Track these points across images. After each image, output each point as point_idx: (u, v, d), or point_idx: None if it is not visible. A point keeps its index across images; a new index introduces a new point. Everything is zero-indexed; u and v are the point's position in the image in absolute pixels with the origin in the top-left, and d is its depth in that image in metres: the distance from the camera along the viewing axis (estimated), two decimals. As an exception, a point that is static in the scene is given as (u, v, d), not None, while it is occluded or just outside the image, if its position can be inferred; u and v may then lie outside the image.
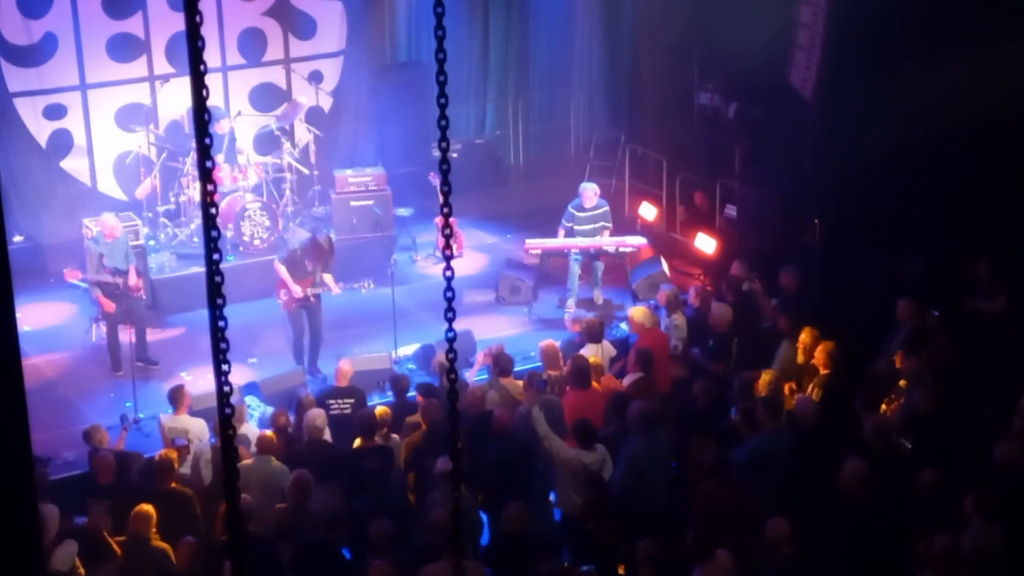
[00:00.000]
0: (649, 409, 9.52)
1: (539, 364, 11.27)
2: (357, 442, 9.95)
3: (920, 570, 7.77)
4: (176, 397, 10.48)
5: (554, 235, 14.00)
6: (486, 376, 11.24)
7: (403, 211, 15.50)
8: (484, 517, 9.55)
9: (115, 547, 8.73)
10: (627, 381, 10.84)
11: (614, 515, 8.83)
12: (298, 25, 16.06)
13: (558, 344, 11.75)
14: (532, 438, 9.70)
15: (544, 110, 18.47)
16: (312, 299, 12.39)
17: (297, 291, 12.27)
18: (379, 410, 10.23)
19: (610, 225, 13.97)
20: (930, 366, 10.26)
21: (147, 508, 8.67)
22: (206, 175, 3.13)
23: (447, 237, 4.01)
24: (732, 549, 7.92)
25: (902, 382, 10.21)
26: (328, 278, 12.44)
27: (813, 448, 9.29)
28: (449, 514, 8.11)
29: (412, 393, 10.93)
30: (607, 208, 14.01)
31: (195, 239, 14.39)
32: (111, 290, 12.42)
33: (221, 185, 14.03)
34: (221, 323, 3.18)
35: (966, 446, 9.06)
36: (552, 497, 9.93)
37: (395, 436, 10.15)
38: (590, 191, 13.92)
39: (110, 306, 12.41)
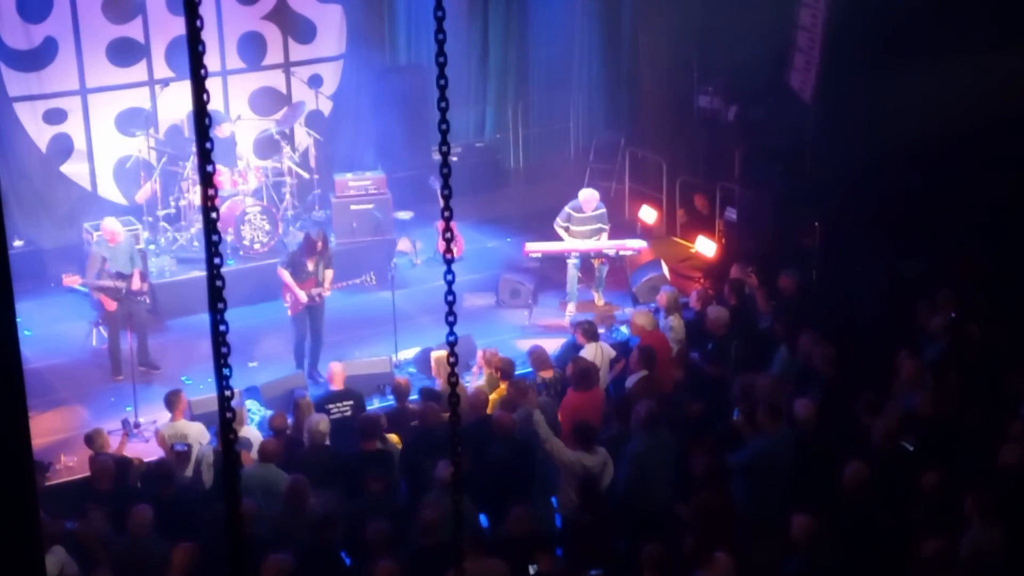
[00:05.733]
0: (655, 409, 9.51)
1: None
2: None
3: (919, 573, 7.77)
4: (172, 402, 10.47)
5: (553, 237, 14.01)
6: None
7: (403, 215, 15.50)
8: (484, 520, 9.55)
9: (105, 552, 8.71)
10: (631, 381, 10.84)
11: (610, 519, 8.83)
12: (298, 29, 16.08)
13: (557, 347, 11.79)
14: (532, 440, 9.70)
15: (544, 113, 18.46)
16: (317, 299, 12.39)
17: (302, 296, 12.27)
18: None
19: (607, 226, 13.97)
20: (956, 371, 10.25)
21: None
22: (206, 179, 3.13)
23: (448, 241, 4.01)
24: (731, 553, 7.92)
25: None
26: (328, 274, 12.42)
27: (813, 450, 9.29)
28: (441, 517, 8.18)
29: (414, 397, 10.93)
30: (604, 210, 14.02)
31: (195, 243, 14.39)
32: (113, 294, 12.43)
33: (221, 189, 14.03)
34: (222, 327, 3.18)
35: (968, 448, 9.07)
36: (554, 500, 9.92)
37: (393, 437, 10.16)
38: (591, 198, 13.90)
39: (111, 305, 12.40)
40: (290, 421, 10.37)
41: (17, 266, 5.02)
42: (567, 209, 13.91)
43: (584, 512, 9.04)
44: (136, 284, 12.49)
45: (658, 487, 9.37)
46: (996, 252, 12.42)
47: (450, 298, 3.98)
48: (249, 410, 11.26)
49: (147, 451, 10.85)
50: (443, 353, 11.01)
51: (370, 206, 14.94)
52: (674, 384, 11.32)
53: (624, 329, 12.99)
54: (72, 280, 12.61)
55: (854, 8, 12.79)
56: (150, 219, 14.64)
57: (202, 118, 3.07)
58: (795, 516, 8.04)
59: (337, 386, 11.00)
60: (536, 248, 14.08)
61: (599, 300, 14.08)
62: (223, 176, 14.28)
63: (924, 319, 11.07)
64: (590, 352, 11.25)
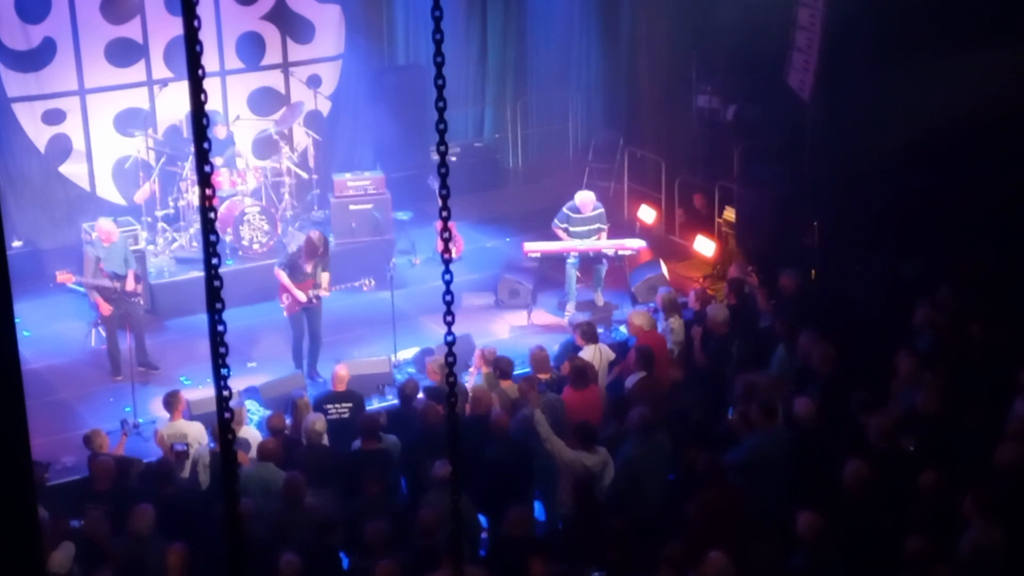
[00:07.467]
0: (649, 414, 9.50)
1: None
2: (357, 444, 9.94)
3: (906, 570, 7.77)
4: (171, 402, 10.48)
5: (552, 237, 14.00)
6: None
7: (402, 215, 15.49)
8: (483, 521, 9.55)
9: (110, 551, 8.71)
10: (630, 382, 10.83)
11: (603, 519, 8.82)
12: (296, 29, 16.07)
13: (556, 347, 11.77)
14: (531, 441, 9.69)
15: (542, 113, 18.45)
16: (314, 300, 12.37)
17: (301, 296, 12.25)
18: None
19: (605, 226, 13.97)
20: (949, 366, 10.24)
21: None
22: (205, 179, 3.13)
23: (446, 241, 4.01)
24: (729, 552, 7.91)
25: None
26: (325, 277, 12.40)
27: (810, 449, 9.29)
28: (441, 517, 8.18)
29: (420, 396, 10.91)
30: (602, 210, 14.01)
31: (194, 243, 14.39)
32: (108, 294, 12.42)
33: (220, 189, 14.03)
34: (220, 327, 3.18)
35: (968, 447, 9.06)
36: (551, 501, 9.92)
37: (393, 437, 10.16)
38: (588, 200, 13.89)
39: (107, 309, 12.40)
40: (288, 421, 10.37)
41: (16, 266, 5.03)
42: (565, 210, 13.89)
43: (578, 512, 9.03)
44: (130, 285, 12.47)
45: (650, 491, 9.35)
46: (996, 252, 12.41)
47: (448, 298, 3.98)
48: (248, 410, 11.26)
49: (146, 451, 10.84)
50: (438, 359, 10.99)
51: (369, 206, 14.94)
52: (673, 384, 11.32)
53: (623, 329, 12.99)
54: (65, 277, 12.53)
55: (852, 7, 12.78)
56: (149, 219, 14.63)
57: (200, 118, 3.07)
58: (802, 513, 8.04)
59: (340, 388, 10.98)
60: (535, 248, 14.08)
61: (598, 300, 14.07)
62: (222, 176, 14.28)
63: (917, 317, 11.08)
64: (589, 354, 11.25)
